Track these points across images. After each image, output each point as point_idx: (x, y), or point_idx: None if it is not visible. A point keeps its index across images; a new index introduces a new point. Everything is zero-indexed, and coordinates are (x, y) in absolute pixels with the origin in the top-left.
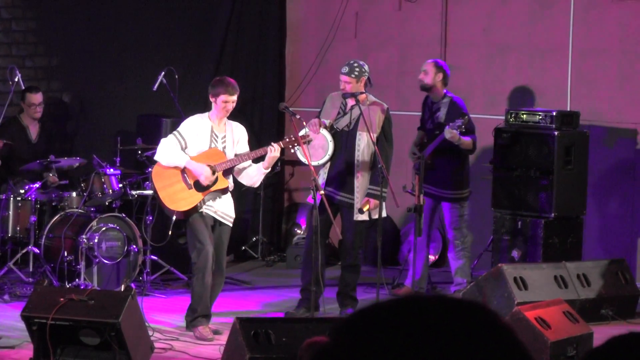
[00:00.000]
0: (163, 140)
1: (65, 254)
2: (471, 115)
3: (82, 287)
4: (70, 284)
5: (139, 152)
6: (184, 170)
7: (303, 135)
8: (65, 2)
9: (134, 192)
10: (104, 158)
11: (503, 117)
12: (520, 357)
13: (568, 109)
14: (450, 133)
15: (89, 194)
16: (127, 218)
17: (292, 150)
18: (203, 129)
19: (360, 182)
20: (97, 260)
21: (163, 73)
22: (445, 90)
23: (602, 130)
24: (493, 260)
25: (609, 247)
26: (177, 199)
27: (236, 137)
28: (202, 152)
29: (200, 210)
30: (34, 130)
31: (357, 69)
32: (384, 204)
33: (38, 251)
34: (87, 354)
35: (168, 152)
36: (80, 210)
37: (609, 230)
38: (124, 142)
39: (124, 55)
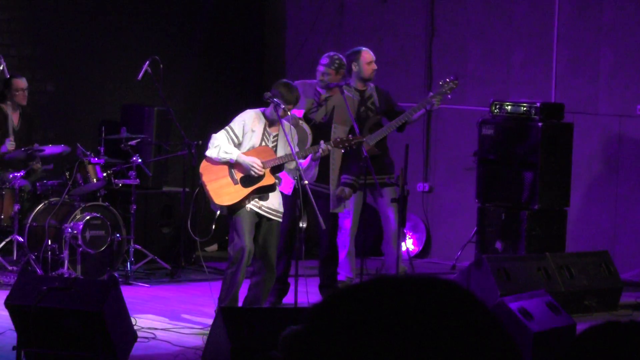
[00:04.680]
0: (214, 135)
1: (49, 243)
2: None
3: (65, 276)
4: (54, 273)
5: (123, 141)
6: (231, 166)
7: (353, 137)
8: None
9: (118, 182)
10: (88, 147)
11: (487, 108)
12: (496, 334)
13: (553, 101)
14: (439, 101)
15: (72, 183)
16: (111, 207)
17: (343, 151)
18: (257, 124)
19: (336, 172)
20: (80, 249)
21: (148, 62)
22: None
23: (586, 121)
24: (476, 251)
25: (592, 239)
26: (222, 193)
27: (293, 135)
28: (252, 149)
29: (245, 207)
30: (15, 118)
31: (337, 61)
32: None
33: (22, 239)
34: (70, 342)
35: (219, 147)
36: (64, 199)
37: (592, 222)
38: (108, 132)
39: (109, 45)
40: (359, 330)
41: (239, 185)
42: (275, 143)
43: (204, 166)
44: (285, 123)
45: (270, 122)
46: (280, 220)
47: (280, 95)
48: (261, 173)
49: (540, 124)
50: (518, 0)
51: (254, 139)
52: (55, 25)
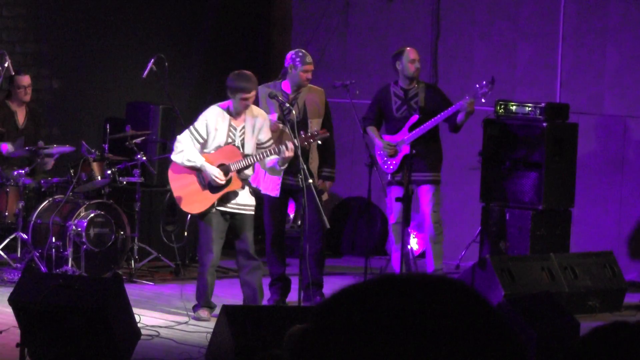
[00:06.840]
0: (178, 138)
1: (53, 240)
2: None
3: (69, 273)
4: (57, 270)
5: (128, 139)
6: (199, 170)
7: (317, 132)
8: None
9: (122, 179)
10: (93, 145)
11: (492, 108)
12: (503, 334)
13: (557, 101)
14: (472, 105)
15: (77, 181)
16: (115, 205)
17: (308, 147)
18: (220, 122)
19: (314, 167)
20: (84, 246)
21: (153, 60)
22: None
23: (591, 122)
24: (480, 251)
25: (596, 240)
26: (192, 201)
27: (257, 125)
28: (218, 150)
29: (212, 210)
30: (21, 115)
31: (308, 55)
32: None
33: (26, 237)
34: (74, 340)
35: (184, 152)
36: (68, 197)
37: (597, 223)
38: (113, 129)
39: (114, 42)
40: (364, 329)
41: (207, 192)
42: (242, 136)
43: (171, 172)
44: (255, 111)
45: (235, 115)
46: (252, 212)
47: (240, 89)
48: (222, 183)
49: (545, 124)
50: (523, 1)
51: (218, 137)
52: (60, 22)
